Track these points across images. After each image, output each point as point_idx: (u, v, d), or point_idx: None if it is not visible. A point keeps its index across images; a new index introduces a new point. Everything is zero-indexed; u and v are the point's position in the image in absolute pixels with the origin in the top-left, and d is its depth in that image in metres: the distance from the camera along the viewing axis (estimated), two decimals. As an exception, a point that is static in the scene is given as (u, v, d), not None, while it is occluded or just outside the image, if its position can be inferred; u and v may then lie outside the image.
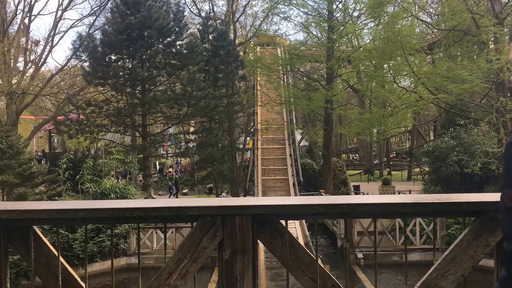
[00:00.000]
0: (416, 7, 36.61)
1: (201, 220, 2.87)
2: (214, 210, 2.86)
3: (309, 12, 36.31)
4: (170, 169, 54.93)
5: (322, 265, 3.02)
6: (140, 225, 3.27)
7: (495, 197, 2.76)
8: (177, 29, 32.61)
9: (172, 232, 24.36)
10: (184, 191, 44.00)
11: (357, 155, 79.99)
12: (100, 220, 3.10)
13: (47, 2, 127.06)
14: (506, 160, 1.81)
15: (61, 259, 2.98)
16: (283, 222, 2.96)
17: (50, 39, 42.29)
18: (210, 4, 50.42)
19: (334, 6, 34.61)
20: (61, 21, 44.93)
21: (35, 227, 2.98)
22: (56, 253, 2.99)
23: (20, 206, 2.99)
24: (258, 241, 2.94)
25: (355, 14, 35.59)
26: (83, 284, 3.06)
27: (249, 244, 2.84)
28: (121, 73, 31.02)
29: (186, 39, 33.79)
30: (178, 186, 43.82)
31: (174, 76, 32.90)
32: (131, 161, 33.11)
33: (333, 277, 2.98)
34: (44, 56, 42.20)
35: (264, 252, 19.39)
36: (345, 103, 46.88)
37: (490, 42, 31.68)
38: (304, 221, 22.34)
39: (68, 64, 42.57)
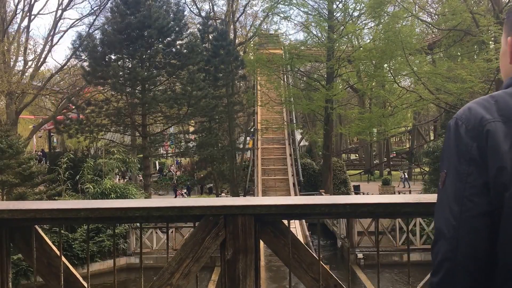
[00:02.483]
0: (416, 7, 36.56)
1: (204, 220, 2.87)
2: (216, 210, 2.85)
3: (309, 12, 36.29)
4: (172, 167, 54.88)
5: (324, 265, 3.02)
6: (141, 225, 3.26)
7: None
8: (177, 28, 32.55)
9: (172, 232, 24.35)
10: (184, 191, 43.98)
11: (356, 155, 79.92)
12: (102, 220, 3.10)
13: (47, 1, 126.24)
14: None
15: (63, 258, 2.99)
16: (285, 222, 2.96)
17: (50, 38, 42.30)
18: (210, 4, 50.59)
19: (334, 6, 34.54)
20: (61, 20, 44.74)
21: (37, 227, 2.99)
22: (58, 252, 3.00)
23: (22, 205, 2.99)
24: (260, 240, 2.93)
25: (355, 14, 35.54)
26: (85, 284, 3.06)
27: (252, 244, 2.83)
28: (121, 73, 30.99)
29: (186, 38, 33.76)
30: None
31: (174, 76, 32.82)
32: (131, 161, 33.07)
33: (335, 277, 2.97)
34: (43, 56, 42.17)
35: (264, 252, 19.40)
36: (345, 102, 46.80)
37: (491, 42, 31.67)
38: (304, 221, 22.37)
39: (67, 64, 42.57)
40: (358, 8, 34.88)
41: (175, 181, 44.55)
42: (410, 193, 32.40)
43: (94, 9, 44.73)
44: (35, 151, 47.40)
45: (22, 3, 42.42)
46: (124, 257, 24.60)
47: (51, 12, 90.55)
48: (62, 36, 75.29)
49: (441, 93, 30.07)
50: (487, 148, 1.52)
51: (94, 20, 43.82)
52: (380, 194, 37.26)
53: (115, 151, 31.43)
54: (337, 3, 34.64)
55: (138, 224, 3.12)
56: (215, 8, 52.08)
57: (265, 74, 38.54)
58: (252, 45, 44.26)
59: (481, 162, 1.52)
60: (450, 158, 1.60)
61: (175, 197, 39.14)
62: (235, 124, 40.51)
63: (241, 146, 42.34)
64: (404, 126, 54.02)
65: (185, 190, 42.42)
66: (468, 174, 1.54)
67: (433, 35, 41.86)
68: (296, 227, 25.17)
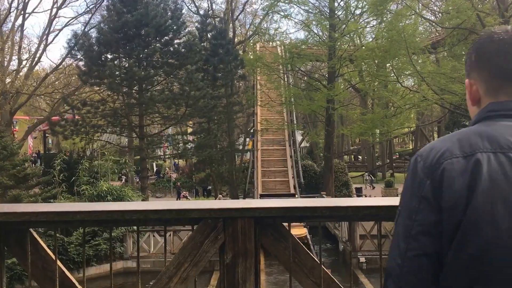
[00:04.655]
0: (420, 5, 36.11)
1: (202, 223, 2.86)
2: (215, 213, 2.86)
3: (310, 10, 35.89)
4: (167, 170, 54.63)
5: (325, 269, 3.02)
6: (138, 228, 3.44)
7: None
8: (175, 27, 32.47)
9: (170, 235, 24.00)
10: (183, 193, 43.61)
11: (359, 157, 79.66)
12: (99, 222, 3.24)
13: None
14: None
15: (59, 262, 2.97)
16: (286, 225, 2.95)
17: (45, 37, 42.16)
18: (209, 2, 50.26)
19: (336, 4, 34.15)
20: (56, 19, 44.74)
21: (32, 230, 2.96)
22: (53, 256, 2.98)
23: (17, 208, 3.05)
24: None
25: (357, 12, 35.09)
26: (80, 288, 2.99)
27: (251, 247, 2.82)
28: (117, 73, 30.74)
29: (184, 37, 33.68)
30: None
31: (171, 76, 32.64)
32: (125, 162, 32.85)
33: (337, 281, 2.96)
34: (38, 55, 42.06)
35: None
36: (347, 103, 46.38)
37: None
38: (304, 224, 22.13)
39: (63, 63, 42.54)
40: (360, 6, 34.46)
41: (178, 183, 44.18)
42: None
43: (90, 7, 44.94)
44: (31, 152, 47.10)
45: (16, 1, 42.15)
46: (121, 261, 24.43)
47: (45, 11, 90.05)
48: (57, 35, 74.64)
49: (445, 93, 29.63)
50: (442, 186, 1.50)
51: (90, 18, 44.16)
52: (382, 196, 36.80)
53: (105, 153, 31.28)
54: (339, 1, 34.24)
55: (135, 227, 2.98)
56: (214, 6, 51.82)
57: (265, 73, 38.16)
58: (251, 44, 43.87)
59: (432, 201, 1.51)
60: (405, 194, 1.61)
61: (178, 199, 38.89)
62: (234, 125, 40.48)
63: (241, 147, 42.25)
64: (407, 127, 53.80)
65: (187, 192, 42.05)
66: (417, 212, 1.54)
67: (437, 34, 41.47)
68: (297, 230, 24.81)
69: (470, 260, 1.45)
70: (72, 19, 58.55)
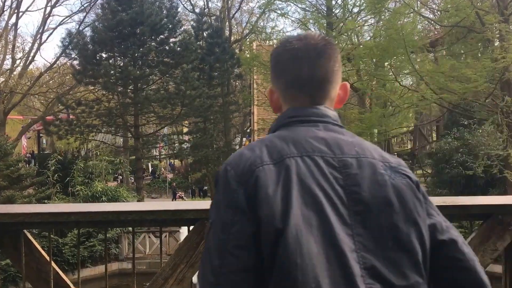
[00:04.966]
0: (419, 3, 35.89)
1: (199, 224, 2.88)
2: None
3: (307, 8, 35.57)
4: (162, 170, 54.40)
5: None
6: (134, 229, 3.46)
7: (504, 200, 3.00)
8: (170, 26, 31.99)
9: (166, 236, 23.82)
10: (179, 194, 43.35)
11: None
12: (94, 223, 3.25)
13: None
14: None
15: (53, 264, 3.00)
16: None
17: (39, 36, 41.82)
18: (205, 0, 50.00)
19: (333, 2, 33.89)
20: (50, 17, 44.49)
21: (26, 231, 2.99)
22: (47, 258, 3.01)
23: (11, 209, 3.10)
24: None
25: (355, 10, 34.84)
26: (74, 290, 3.03)
27: None
28: (112, 72, 30.20)
29: (180, 36, 33.17)
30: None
31: (167, 75, 32.15)
32: (120, 162, 32.56)
33: None
34: (32, 54, 41.78)
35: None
36: (344, 102, 46.26)
37: (496, 40, 31.07)
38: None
39: (57, 62, 42.26)
40: (358, 4, 34.20)
41: (174, 184, 43.91)
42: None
43: (84, 5, 44.37)
44: (25, 152, 46.82)
45: (9, -1, 41.73)
46: (116, 262, 24.27)
47: (39, 9, 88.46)
48: (51, 33, 74.07)
49: (444, 92, 29.40)
50: (256, 196, 1.47)
51: (84, 17, 43.62)
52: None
53: (98, 153, 31.11)
54: (336, -2, 33.97)
55: (130, 228, 2.91)
56: (210, 5, 51.28)
57: (261, 72, 37.85)
58: (248, 43, 43.55)
59: (247, 211, 1.46)
60: (217, 206, 1.54)
61: (173, 199, 38.64)
62: (230, 125, 40.18)
63: (237, 147, 41.83)
64: (405, 127, 53.61)
65: (183, 193, 41.75)
66: (232, 224, 1.47)
67: (436, 32, 41.17)
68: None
69: (294, 267, 1.39)
70: (66, 17, 58.83)
